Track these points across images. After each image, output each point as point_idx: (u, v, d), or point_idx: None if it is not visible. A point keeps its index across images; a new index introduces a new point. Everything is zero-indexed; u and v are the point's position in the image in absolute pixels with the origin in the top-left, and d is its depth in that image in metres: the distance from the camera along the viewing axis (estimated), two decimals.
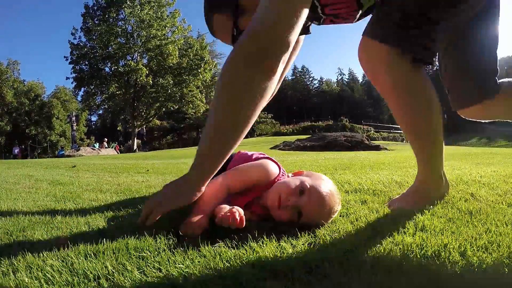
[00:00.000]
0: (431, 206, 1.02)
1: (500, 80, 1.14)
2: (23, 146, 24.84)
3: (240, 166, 1.07)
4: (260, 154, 1.25)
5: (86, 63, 23.69)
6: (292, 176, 1.04)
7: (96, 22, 23.23)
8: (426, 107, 1.01)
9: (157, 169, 3.15)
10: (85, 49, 23.32)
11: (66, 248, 0.73)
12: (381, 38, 0.94)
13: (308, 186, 0.90)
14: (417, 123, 1.03)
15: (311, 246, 0.71)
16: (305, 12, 0.84)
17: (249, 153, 1.24)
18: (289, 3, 0.83)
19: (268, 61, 0.83)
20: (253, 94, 0.85)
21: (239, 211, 0.83)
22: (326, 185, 0.93)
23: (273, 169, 1.06)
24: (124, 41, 23.45)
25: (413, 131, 1.06)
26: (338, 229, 0.83)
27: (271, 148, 11.39)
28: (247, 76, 0.84)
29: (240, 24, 1.05)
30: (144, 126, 28.96)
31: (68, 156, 15.42)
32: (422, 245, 0.69)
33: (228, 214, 0.80)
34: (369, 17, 1.03)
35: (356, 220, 0.90)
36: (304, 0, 0.84)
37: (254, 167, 1.06)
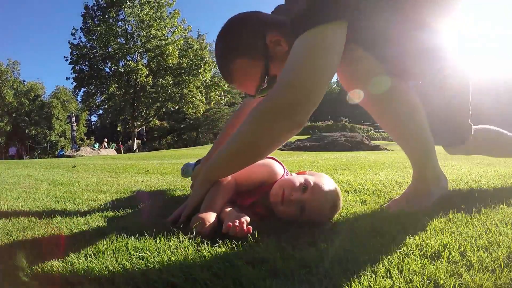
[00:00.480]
0: (431, 206, 1.02)
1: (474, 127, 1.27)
2: (19, 146, 24.63)
3: None
4: None
5: (86, 63, 23.70)
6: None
7: (96, 22, 23.23)
8: (408, 112, 1.02)
9: (157, 170, 3.15)
10: (85, 49, 23.32)
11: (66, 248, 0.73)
12: (365, 46, 0.94)
13: (312, 183, 0.92)
14: (401, 128, 1.05)
15: (311, 246, 0.71)
16: (336, 67, 0.85)
17: None
18: (324, 59, 0.83)
19: (300, 116, 0.86)
20: (276, 143, 0.92)
21: (246, 221, 0.82)
22: (329, 183, 0.95)
23: (278, 169, 1.08)
24: (124, 41, 23.46)
25: (399, 136, 1.08)
26: (338, 229, 0.83)
27: None
28: (277, 127, 0.87)
29: (270, 70, 0.98)
30: (144, 126, 28.96)
31: (68, 156, 15.42)
32: (422, 245, 0.69)
33: (236, 224, 0.80)
34: None
35: (356, 220, 0.90)
36: (337, 56, 0.84)
37: (260, 167, 1.07)
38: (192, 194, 1.01)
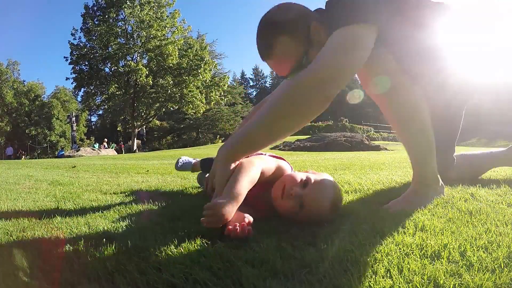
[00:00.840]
0: (431, 206, 1.02)
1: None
2: (16, 146, 24.29)
3: (264, 156, 1.09)
4: (271, 154, 1.26)
5: (86, 63, 23.66)
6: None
7: (96, 22, 23.21)
8: (410, 111, 1.06)
9: (157, 170, 3.15)
10: (85, 49, 23.29)
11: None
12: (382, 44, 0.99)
13: (312, 180, 0.93)
14: (403, 126, 1.09)
15: (311, 246, 0.71)
16: (364, 59, 0.95)
17: (263, 153, 1.26)
18: (353, 50, 0.94)
19: (331, 90, 0.93)
20: (308, 115, 0.95)
21: (249, 222, 0.82)
22: (329, 182, 0.96)
23: (287, 168, 1.11)
24: (124, 42, 23.44)
25: (401, 133, 1.11)
26: (338, 229, 0.83)
27: (271, 148, 11.38)
28: (312, 97, 0.93)
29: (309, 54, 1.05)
30: (144, 126, 28.96)
31: (68, 156, 15.42)
32: (422, 245, 0.69)
33: (237, 227, 0.79)
34: None
35: (356, 220, 0.90)
36: (364, 51, 0.95)
37: (274, 163, 1.08)
38: (217, 181, 0.92)
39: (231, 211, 0.82)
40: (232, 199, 0.83)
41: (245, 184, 0.87)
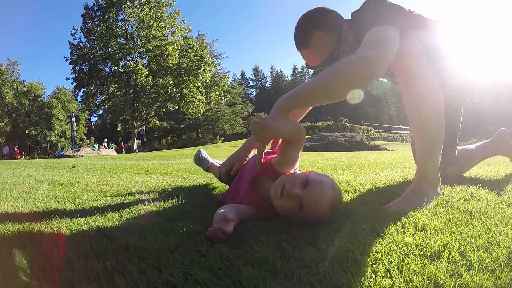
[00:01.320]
0: (431, 206, 1.02)
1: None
2: (11, 146, 24.00)
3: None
4: None
5: (86, 63, 23.65)
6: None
7: (96, 22, 23.21)
8: (433, 89, 1.11)
9: (157, 170, 3.15)
10: (85, 49, 23.28)
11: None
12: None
13: (312, 181, 0.93)
14: (412, 112, 1.14)
15: (311, 246, 0.71)
16: (393, 53, 1.08)
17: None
18: (388, 44, 1.08)
19: (378, 66, 1.05)
20: (356, 82, 1.06)
21: (224, 216, 0.84)
22: (329, 183, 0.96)
23: (296, 166, 1.14)
24: (124, 42, 23.43)
25: (411, 119, 1.15)
26: (338, 229, 0.83)
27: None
28: (361, 70, 1.04)
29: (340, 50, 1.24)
30: (144, 126, 28.94)
31: (68, 156, 15.41)
32: (422, 245, 0.69)
33: (216, 227, 0.80)
34: None
35: (356, 220, 0.90)
36: (394, 44, 1.09)
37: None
38: (272, 115, 1.07)
39: (273, 135, 1.02)
40: (280, 126, 1.01)
41: (288, 133, 1.05)
